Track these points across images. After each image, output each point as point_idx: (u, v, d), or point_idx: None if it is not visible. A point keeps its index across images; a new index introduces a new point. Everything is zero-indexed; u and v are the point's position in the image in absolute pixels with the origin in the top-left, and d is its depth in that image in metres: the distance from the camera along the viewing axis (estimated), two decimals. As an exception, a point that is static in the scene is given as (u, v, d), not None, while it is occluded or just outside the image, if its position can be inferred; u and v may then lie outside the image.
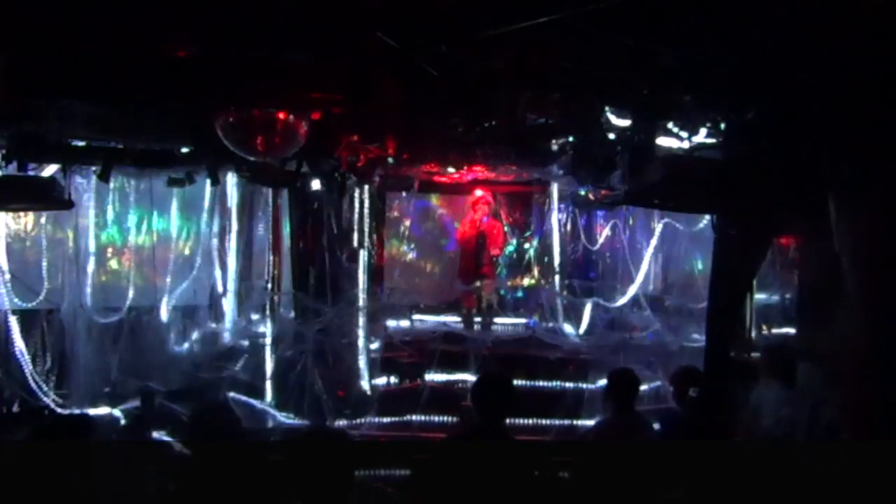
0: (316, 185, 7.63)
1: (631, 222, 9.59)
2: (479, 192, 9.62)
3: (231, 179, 8.59)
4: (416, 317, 9.55)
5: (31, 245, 8.26)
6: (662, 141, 5.50)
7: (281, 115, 5.30)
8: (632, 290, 9.15)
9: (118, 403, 7.90)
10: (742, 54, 4.12)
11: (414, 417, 7.44)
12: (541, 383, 7.85)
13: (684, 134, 5.38)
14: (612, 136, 5.66)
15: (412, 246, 10.57)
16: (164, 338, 8.74)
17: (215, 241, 9.17)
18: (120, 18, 4.30)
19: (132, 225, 9.02)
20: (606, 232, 9.95)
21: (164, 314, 8.87)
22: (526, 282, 9.89)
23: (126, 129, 6.29)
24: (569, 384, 7.80)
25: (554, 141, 6.99)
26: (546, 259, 9.93)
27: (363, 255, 8.45)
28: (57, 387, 7.77)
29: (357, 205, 8.62)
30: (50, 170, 6.83)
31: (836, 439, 4.09)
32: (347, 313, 8.00)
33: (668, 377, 5.07)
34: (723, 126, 5.19)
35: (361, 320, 8.12)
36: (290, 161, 6.96)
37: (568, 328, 9.01)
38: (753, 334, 8.21)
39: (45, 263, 8.05)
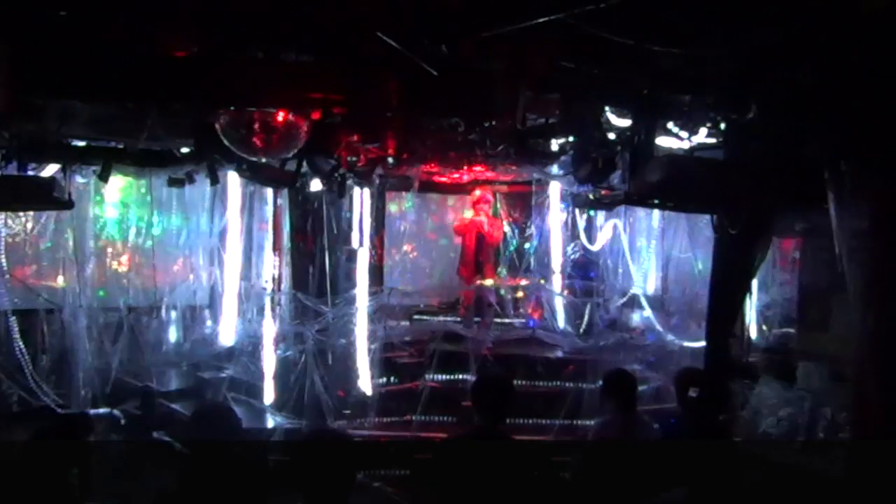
0: (316, 185, 7.63)
1: (631, 222, 9.59)
2: (478, 192, 9.62)
3: (231, 179, 8.60)
4: (416, 317, 9.55)
5: (32, 245, 8.27)
6: (662, 141, 5.50)
7: (281, 115, 5.30)
8: (632, 290, 9.15)
9: (118, 403, 7.91)
10: (742, 54, 4.12)
11: (414, 417, 7.44)
12: (541, 383, 7.86)
13: (684, 134, 5.38)
14: (612, 136, 5.66)
15: (412, 246, 10.56)
16: (164, 338, 8.74)
17: (215, 241, 9.17)
18: (120, 18, 4.30)
19: (132, 225, 9.03)
20: (607, 232, 9.95)
21: (164, 314, 8.87)
22: (525, 282, 9.88)
23: (126, 129, 6.29)
24: (569, 384, 7.80)
25: (554, 141, 6.99)
26: (546, 259, 9.92)
27: (363, 255, 8.45)
28: (57, 387, 7.77)
29: (357, 205, 8.62)
30: (50, 170, 6.83)
31: (836, 439, 4.10)
32: (347, 313, 8.00)
33: (672, 378, 5.06)
34: (723, 126, 5.19)
35: (361, 320, 8.12)
36: (290, 161, 6.96)
37: (568, 328, 9.01)
38: (753, 334, 8.23)
39: (45, 263, 8.06)
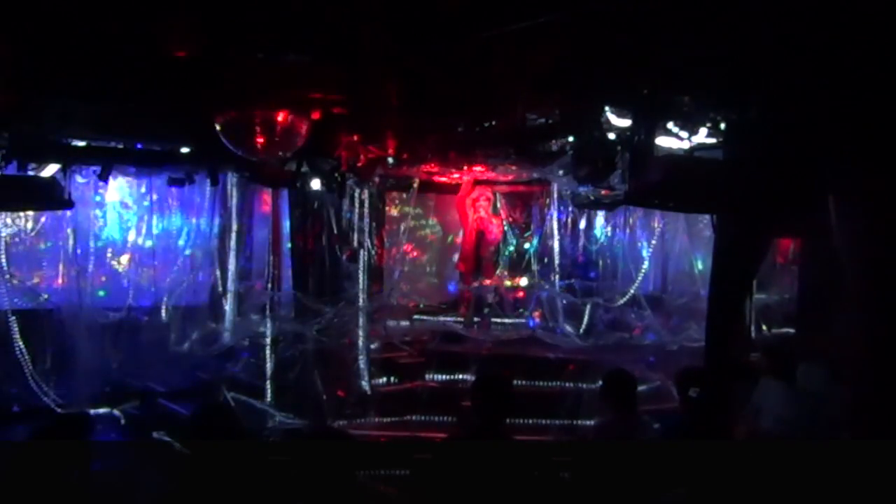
0: (316, 185, 7.63)
1: (631, 222, 9.59)
2: (478, 189, 9.63)
3: (231, 179, 8.59)
4: (416, 317, 9.55)
5: (31, 245, 8.27)
6: (662, 141, 5.49)
7: (281, 115, 5.30)
8: (632, 290, 9.15)
9: (118, 403, 7.91)
10: (742, 54, 4.12)
11: (414, 417, 7.44)
12: (541, 383, 7.86)
13: (684, 134, 5.37)
14: (612, 136, 5.66)
15: (412, 246, 10.57)
16: (164, 338, 8.74)
17: (215, 241, 9.17)
18: (120, 18, 4.30)
19: (132, 225, 9.03)
20: (607, 232, 9.95)
21: (164, 314, 8.87)
22: (525, 282, 9.88)
23: (126, 129, 6.29)
24: (569, 384, 7.80)
25: (554, 141, 6.99)
26: (546, 259, 9.93)
27: (363, 255, 8.46)
28: (57, 387, 7.77)
29: (357, 205, 8.62)
30: (50, 170, 6.83)
31: (836, 439, 4.09)
32: (347, 313, 8.01)
33: (672, 378, 5.06)
34: (723, 126, 5.19)
35: (361, 320, 8.12)
36: (290, 161, 6.96)
37: (568, 328, 9.01)
38: (753, 334, 8.23)
39: (44, 263, 8.06)
